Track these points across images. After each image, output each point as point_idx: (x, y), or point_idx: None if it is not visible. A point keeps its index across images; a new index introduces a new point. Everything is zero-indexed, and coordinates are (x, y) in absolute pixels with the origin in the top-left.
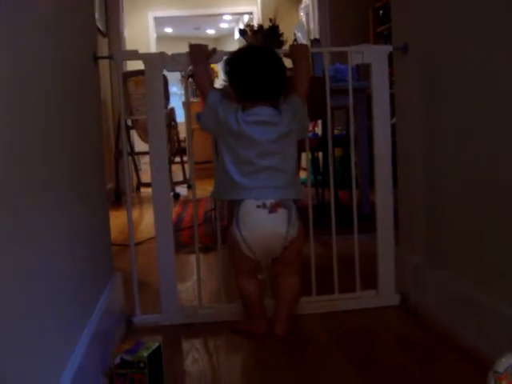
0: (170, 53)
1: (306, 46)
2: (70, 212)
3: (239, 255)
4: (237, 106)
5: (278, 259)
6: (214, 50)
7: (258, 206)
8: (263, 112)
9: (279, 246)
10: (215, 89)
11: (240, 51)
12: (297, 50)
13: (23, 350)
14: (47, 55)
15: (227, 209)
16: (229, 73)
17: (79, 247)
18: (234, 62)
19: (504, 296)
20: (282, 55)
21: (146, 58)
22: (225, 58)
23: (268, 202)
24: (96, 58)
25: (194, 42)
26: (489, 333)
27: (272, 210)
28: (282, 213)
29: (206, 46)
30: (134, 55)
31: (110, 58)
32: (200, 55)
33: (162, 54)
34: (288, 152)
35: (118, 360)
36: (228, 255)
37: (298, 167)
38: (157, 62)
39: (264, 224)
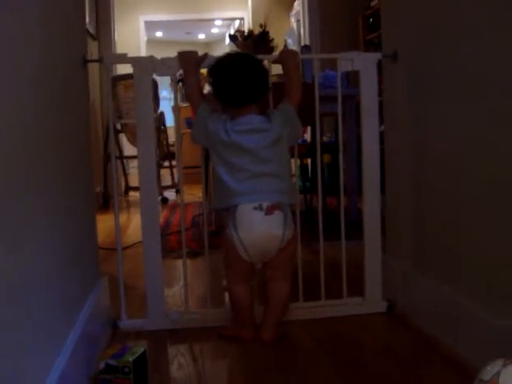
0: (159, 57)
1: (295, 52)
2: (55, 214)
3: (234, 258)
4: (225, 116)
5: (269, 263)
6: (206, 55)
7: (255, 208)
8: (252, 120)
9: (275, 247)
10: (205, 102)
11: (218, 60)
12: (287, 56)
13: (6, 355)
14: (35, 57)
15: (215, 214)
16: (211, 82)
17: (65, 251)
18: (213, 71)
19: (490, 304)
20: (271, 61)
21: (135, 61)
22: (206, 68)
23: (264, 205)
24: (85, 62)
25: (184, 46)
26: (475, 341)
27: (268, 212)
28: (278, 215)
29: (195, 53)
30: (124, 59)
31: (99, 61)
32: (190, 63)
33: (151, 58)
34: (281, 158)
35: (102, 365)
36: (223, 259)
37: (290, 172)
38: (146, 65)
39: (261, 226)
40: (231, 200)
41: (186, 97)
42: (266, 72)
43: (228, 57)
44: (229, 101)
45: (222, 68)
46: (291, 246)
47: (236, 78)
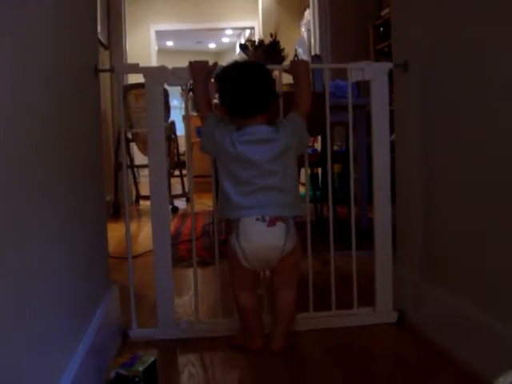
0: (170, 66)
1: (306, 62)
2: (66, 223)
3: (237, 267)
4: (232, 127)
5: (275, 270)
6: (215, 64)
7: (258, 219)
8: (259, 130)
9: (276, 257)
10: (213, 112)
11: (224, 68)
12: (298, 66)
13: (17, 363)
14: (48, 67)
15: (225, 223)
16: (217, 90)
17: (76, 260)
18: (219, 79)
19: (501, 314)
20: (282, 71)
21: (146, 71)
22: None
23: (267, 217)
24: (97, 71)
25: (195, 56)
26: (486, 351)
27: (270, 223)
28: (280, 226)
29: (206, 62)
30: (135, 69)
31: (110, 71)
32: (200, 73)
33: (162, 68)
34: (287, 170)
35: (113, 374)
36: (228, 270)
37: (297, 183)
38: (157, 76)
39: (263, 237)
40: (234, 213)
41: (195, 106)
42: (272, 80)
43: (234, 65)
44: (234, 111)
45: (228, 77)
46: (293, 255)
47: (241, 88)
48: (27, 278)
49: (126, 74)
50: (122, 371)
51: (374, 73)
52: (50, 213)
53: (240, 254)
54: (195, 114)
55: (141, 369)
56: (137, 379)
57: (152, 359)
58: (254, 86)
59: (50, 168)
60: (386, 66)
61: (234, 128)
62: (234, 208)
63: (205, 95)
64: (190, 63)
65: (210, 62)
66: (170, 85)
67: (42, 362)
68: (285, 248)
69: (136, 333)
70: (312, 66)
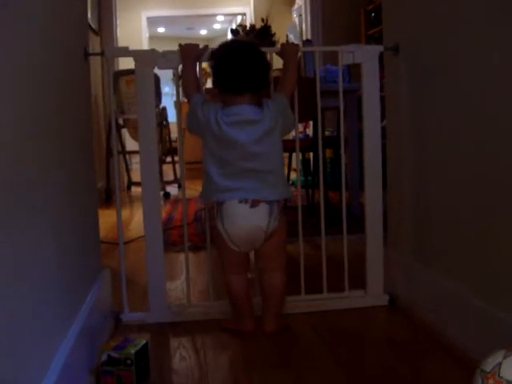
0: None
1: (296, 45)
2: (58, 209)
3: (225, 250)
4: (217, 105)
5: (261, 253)
6: (206, 47)
7: (240, 201)
8: (244, 111)
9: (261, 238)
10: (198, 93)
11: (221, 45)
12: (287, 49)
13: (8, 346)
14: (36, 51)
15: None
16: (212, 66)
17: (67, 244)
18: (217, 53)
19: (492, 296)
20: (274, 54)
21: (136, 54)
22: (207, 60)
23: (250, 199)
24: (87, 55)
25: (186, 42)
26: (477, 332)
27: (253, 204)
28: (263, 207)
29: (196, 46)
30: (125, 52)
31: (100, 54)
32: (190, 56)
33: (152, 52)
34: (272, 152)
35: (104, 357)
36: (216, 252)
37: (289, 168)
38: (147, 59)
39: (246, 218)
40: (218, 196)
41: (182, 87)
42: (267, 65)
43: (232, 42)
44: (225, 86)
45: (223, 51)
46: (277, 235)
47: (237, 63)
48: (19, 261)
49: (116, 57)
50: (113, 354)
51: (365, 55)
52: (41, 199)
53: (226, 237)
54: (186, 100)
55: (132, 351)
56: (129, 362)
57: (144, 342)
58: (248, 63)
59: (41, 154)
60: (377, 48)
61: (220, 107)
62: (218, 190)
63: (194, 78)
64: (181, 45)
65: (201, 46)
66: (160, 68)
67: (34, 344)
68: (268, 228)
69: (128, 316)
70: (303, 48)
